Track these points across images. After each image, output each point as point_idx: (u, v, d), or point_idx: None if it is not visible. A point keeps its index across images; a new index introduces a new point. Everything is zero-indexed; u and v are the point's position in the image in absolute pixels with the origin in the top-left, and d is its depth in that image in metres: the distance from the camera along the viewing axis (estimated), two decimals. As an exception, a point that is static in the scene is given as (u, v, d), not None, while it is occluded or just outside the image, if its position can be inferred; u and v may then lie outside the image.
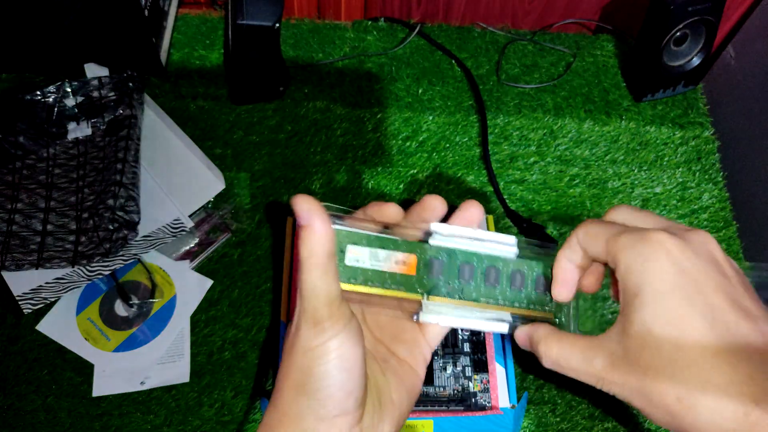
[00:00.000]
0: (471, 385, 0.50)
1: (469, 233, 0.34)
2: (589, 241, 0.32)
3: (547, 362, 0.32)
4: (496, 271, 0.34)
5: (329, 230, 0.28)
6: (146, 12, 0.60)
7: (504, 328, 0.34)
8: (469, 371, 0.50)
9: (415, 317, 0.33)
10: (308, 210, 0.28)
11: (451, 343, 0.51)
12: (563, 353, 0.31)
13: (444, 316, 0.33)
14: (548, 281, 0.34)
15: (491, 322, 0.34)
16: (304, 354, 0.28)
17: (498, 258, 0.34)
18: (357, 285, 0.32)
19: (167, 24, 0.68)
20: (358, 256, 0.32)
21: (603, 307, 0.38)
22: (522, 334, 0.34)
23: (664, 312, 0.27)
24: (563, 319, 0.35)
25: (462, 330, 0.52)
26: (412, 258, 0.33)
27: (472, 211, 0.35)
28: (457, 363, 0.50)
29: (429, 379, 0.50)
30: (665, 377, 0.27)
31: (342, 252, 0.32)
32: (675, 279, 0.27)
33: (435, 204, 0.35)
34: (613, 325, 0.30)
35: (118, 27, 0.60)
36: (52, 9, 0.57)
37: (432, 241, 0.33)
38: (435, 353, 0.51)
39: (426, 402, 0.49)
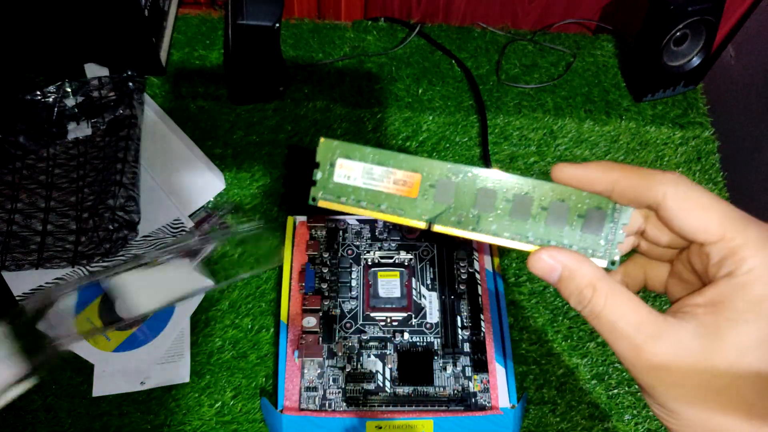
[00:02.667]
0: (471, 385, 0.50)
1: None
2: (682, 211, 0.24)
3: (589, 310, 0.25)
4: (528, 201, 0.28)
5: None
6: (146, 12, 0.60)
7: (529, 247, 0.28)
8: (469, 371, 0.50)
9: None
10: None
11: (451, 343, 0.51)
12: (615, 309, 0.24)
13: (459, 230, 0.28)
14: (604, 218, 0.27)
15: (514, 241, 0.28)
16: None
17: (535, 186, 0.28)
18: (347, 205, 0.28)
19: (167, 24, 0.68)
20: (350, 172, 0.28)
21: None
22: (548, 260, 0.26)
23: None
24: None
25: (462, 328, 0.52)
26: (414, 177, 0.28)
27: None
28: (457, 363, 0.50)
29: (429, 379, 0.50)
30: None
31: (332, 166, 0.28)
32: None
33: None
34: (691, 318, 0.24)
35: (118, 27, 0.60)
36: (52, 9, 0.57)
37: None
38: (435, 353, 0.51)
39: (426, 402, 0.49)
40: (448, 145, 0.64)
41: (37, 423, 0.50)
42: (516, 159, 0.64)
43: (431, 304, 0.53)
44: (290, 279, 0.53)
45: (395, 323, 0.52)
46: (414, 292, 0.53)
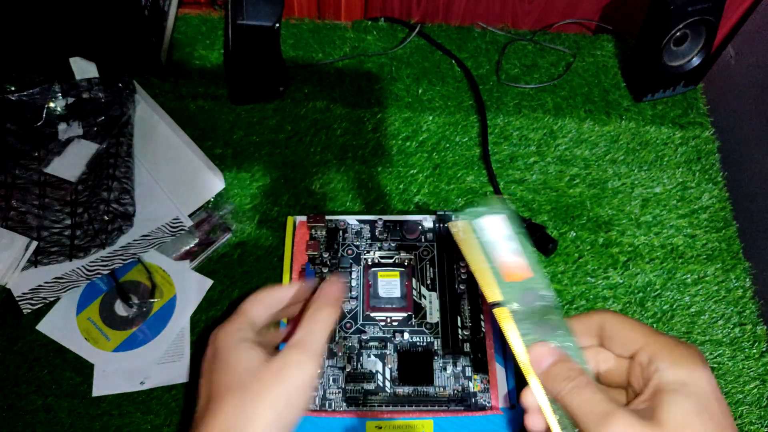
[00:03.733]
0: (471, 385, 0.50)
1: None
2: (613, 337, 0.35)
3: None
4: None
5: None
6: (146, 12, 0.60)
7: None
8: (469, 371, 0.50)
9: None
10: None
11: (451, 343, 0.51)
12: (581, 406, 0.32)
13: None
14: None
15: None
16: None
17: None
18: (463, 241, 0.35)
19: (167, 24, 0.68)
20: (494, 227, 0.35)
21: None
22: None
23: None
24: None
25: (462, 328, 0.52)
26: (523, 270, 0.35)
27: None
28: (457, 363, 0.50)
29: (429, 379, 0.50)
30: None
31: (480, 216, 0.36)
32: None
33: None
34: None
35: (118, 27, 0.60)
36: (51, 9, 0.57)
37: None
38: (435, 353, 0.51)
39: (426, 402, 0.49)
40: (448, 145, 0.64)
41: (37, 423, 0.50)
42: (516, 159, 0.64)
43: (431, 304, 0.53)
44: (290, 279, 0.53)
45: (395, 323, 0.52)
46: (414, 292, 0.53)
